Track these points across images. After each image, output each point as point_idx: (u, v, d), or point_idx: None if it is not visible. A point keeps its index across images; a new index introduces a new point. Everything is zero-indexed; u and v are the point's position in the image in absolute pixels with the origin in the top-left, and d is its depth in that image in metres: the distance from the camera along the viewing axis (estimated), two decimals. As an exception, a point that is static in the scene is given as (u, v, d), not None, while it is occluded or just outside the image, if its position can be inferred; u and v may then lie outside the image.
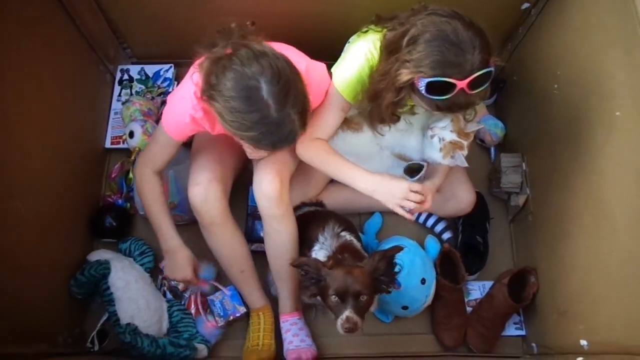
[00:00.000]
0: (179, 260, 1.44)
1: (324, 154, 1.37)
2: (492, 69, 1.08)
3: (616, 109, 1.16)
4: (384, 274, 1.20)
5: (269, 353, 1.48)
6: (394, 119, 1.29)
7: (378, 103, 1.22)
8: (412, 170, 1.28)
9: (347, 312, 1.14)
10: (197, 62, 1.18)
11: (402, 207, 1.29)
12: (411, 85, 1.11)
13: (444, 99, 1.08)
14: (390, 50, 1.14)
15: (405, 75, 1.09)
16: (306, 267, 1.21)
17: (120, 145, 1.73)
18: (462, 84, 1.05)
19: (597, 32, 1.23)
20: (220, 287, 1.56)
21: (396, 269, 1.23)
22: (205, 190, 1.36)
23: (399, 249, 1.22)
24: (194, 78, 1.18)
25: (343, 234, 1.37)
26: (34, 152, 1.34)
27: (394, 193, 1.28)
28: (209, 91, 1.12)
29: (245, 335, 1.54)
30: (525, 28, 1.58)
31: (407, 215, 1.38)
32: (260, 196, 1.35)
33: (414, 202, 1.27)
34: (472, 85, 1.06)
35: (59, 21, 1.47)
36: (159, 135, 1.35)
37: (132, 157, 1.67)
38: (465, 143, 1.37)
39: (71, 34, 1.54)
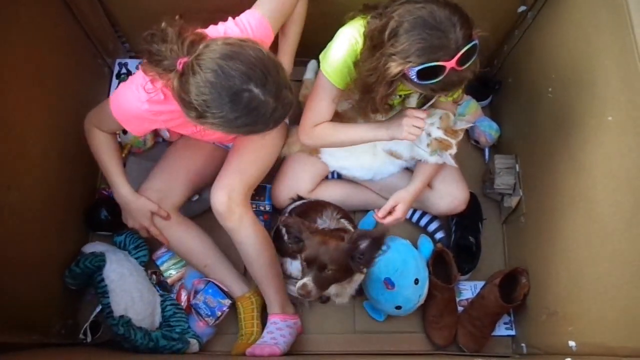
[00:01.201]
0: (131, 209, 1.46)
1: (330, 131, 1.40)
2: (476, 41, 1.08)
3: (608, 113, 1.17)
4: (363, 253, 1.21)
5: (250, 340, 1.49)
6: (387, 108, 1.32)
7: (372, 96, 1.24)
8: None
9: (306, 279, 1.19)
10: (143, 67, 1.16)
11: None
12: (402, 75, 1.12)
13: (436, 82, 1.10)
14: (374, 45, 1.15)
15: (394, 68, 1.10)
16: (291, 227, 1.24)
17: (117, 139, 1.73)
18: (451, 63, 1.07)
19: (592, 37, 1.24)
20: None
21: (382, 250, 1.22)
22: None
23: (385, 230, 1.23)
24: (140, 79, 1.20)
25: (343, 220, 1.39)
26: (31, 144, 1.34)
27: (401, 122, 1.30)
28: (197, 114, 1.09)
29: (237, 329, 1.56)
30: (521, 31, 1.59)
31: (379, 219, 1.47)
32: (212, 208, 1.41)
33: (418, 127, 1.29)
34: (461, 61, 1.08)
35: (58, 13, 1.47)
36: (108, 115, 1.30)
37: (124, 153, 1.68)
38: (453, 142, 1.37)
39: (70, 26, 1.54)
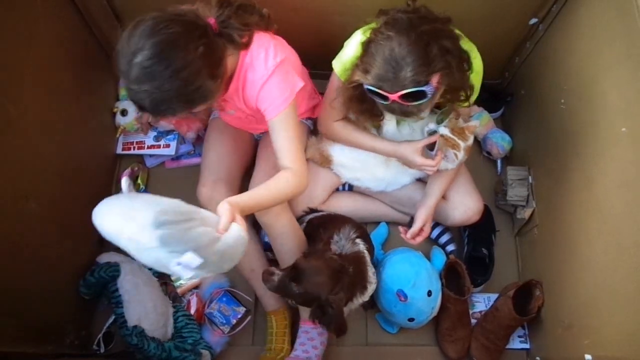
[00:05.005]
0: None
1: (346, 135, 1.47)
2: (423, 89, 1.10)
3: (622, 125, 1.17)
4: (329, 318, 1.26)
5: (279, 357, 1.48)
6: (373, 118, 1.35)
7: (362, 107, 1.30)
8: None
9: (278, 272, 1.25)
10: None
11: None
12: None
13: (382, 104, 1.16)
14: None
15: (355, 75, 1.18)
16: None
17: (131, 151, 1.76)
18: (392, 96, 1.11)
19: (605, 48, 1.25)
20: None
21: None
22: (211, 192, 1.46)
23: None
24: None
25: (358, 241, 1.38)
26: (49, 156, 1.36)
27: (413, 160, 1.39)
28: None
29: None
30: (533, 43, 1.60)
31: (410, 240, 1.49)
32: None
33: (430, 165, 1.37)
34: (404, 98, 1.11)
35: (77, 29, 1.50)
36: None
37: (117, 134, 1.73)
38: (462, 144, 1.37)
39: (88, 42, 1.57)
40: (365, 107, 1.28)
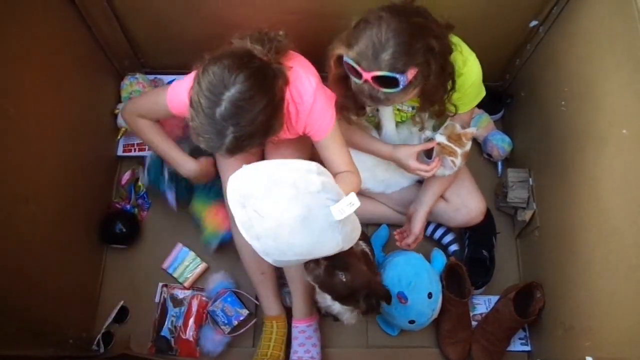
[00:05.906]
0: (202, 171, 1.45)
1: (345, 131, 1.42)
2: (397, 76, 1.08)
3: (623, 126, 1.17)
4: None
5: None
6: (356, 106, 1.32)
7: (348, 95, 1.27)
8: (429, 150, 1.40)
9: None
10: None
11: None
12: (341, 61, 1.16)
13: (355, 82, 1.14)
14: None
15: (337, 48, 1.14)
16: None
17: (132, 153, 1.76)
18: (366, 75, 1.09)
19: (605, 51, 1.25)
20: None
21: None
22: None
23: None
24: None
25: (360, 242, 1.38)
26: (49, 158, 1.36)
27: (407, 164, 1.41)
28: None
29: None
30: (533, 45, 1.60)
31: (406, 247, 1.53)
32: None
33: (424, 170, 1.39)
34: (377, 81, 1.09)
35: (75, 29, 1.50)
36: (158, 96, 1.33)
37: (119, 136, 1.72)
38: (459, 151, 1.38)
39: (88, 42, 1.57)
40: (350, 93, 1.24)
